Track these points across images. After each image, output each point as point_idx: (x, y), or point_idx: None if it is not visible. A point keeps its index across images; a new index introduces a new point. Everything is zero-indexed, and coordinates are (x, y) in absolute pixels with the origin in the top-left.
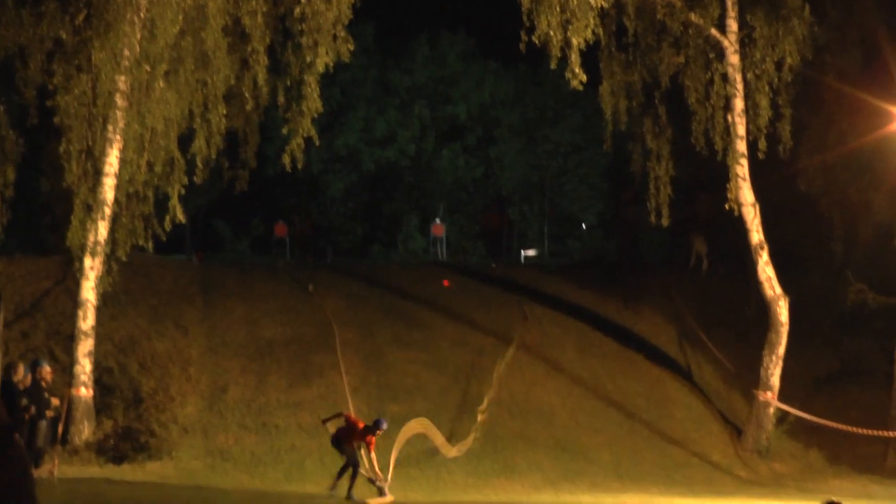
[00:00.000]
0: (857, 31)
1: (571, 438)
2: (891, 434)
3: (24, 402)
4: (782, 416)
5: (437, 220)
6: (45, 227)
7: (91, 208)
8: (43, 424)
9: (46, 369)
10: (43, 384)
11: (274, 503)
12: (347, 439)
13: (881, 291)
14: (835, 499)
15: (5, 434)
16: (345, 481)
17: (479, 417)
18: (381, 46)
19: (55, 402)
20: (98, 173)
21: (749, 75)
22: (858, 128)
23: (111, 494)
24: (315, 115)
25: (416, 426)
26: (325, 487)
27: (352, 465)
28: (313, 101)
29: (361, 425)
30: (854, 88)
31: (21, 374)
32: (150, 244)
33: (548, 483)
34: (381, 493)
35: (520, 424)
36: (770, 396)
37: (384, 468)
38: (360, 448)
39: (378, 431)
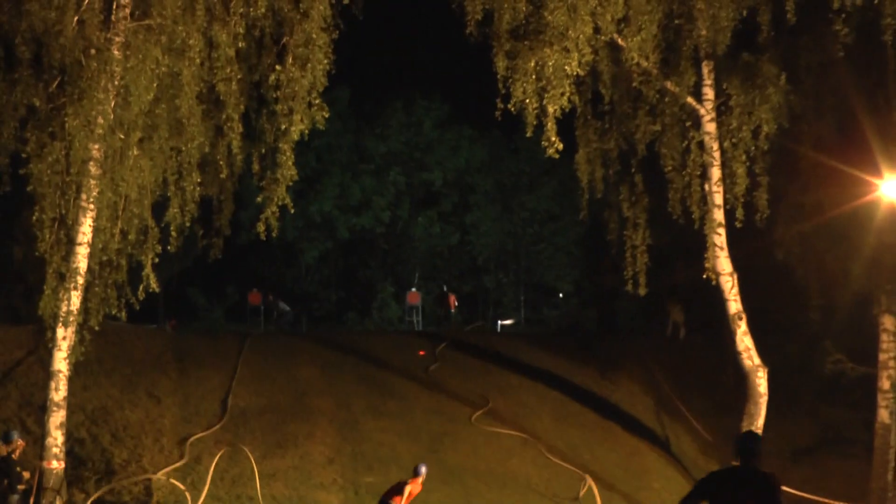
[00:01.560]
0: (833, 98)
1: None
2: None
3: None
4: None
5: (413, 289)
6: (18, 295)
7: (64, 277)
8: (14, 499)
9: (19, 442)
10: (14, 457)
11: None
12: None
13: (860, 361)
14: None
15: None
16: None
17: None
18: (356, 112)
19: (26, 475)
20: (71, 242)
21: (726, 143)
22: (835, 196)
23: None
24: (290, 183)
25: None
26: None
27: None
28: (288, 168)
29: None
30: (830, 157)
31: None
32: (124, 313)
33: None
34: None
35: (496, 495)
36: None
37: None
38: None
39: (418, 478)
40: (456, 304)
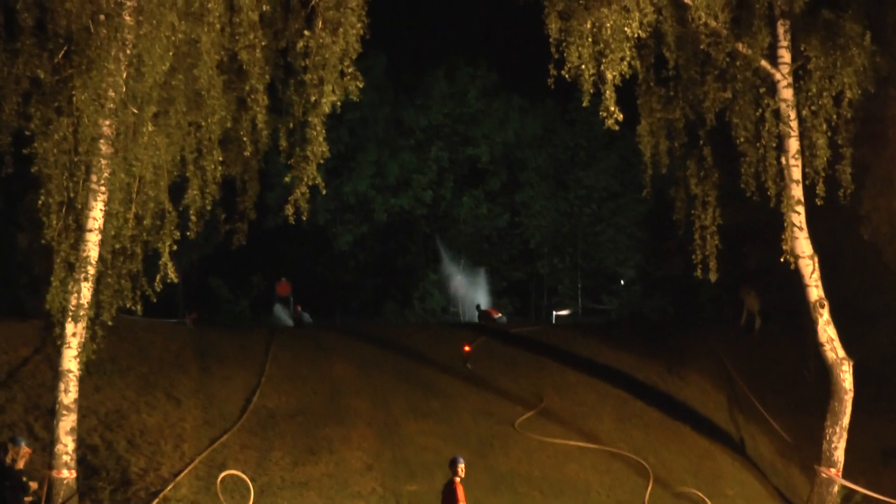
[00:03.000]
0: None
1: None
2: None
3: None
4: (848, 495)
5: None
6: (23, 287)
7: (73, 267)
8: None
9: (25, 449)
10: (19, 466)
11: None
12: None
13: None
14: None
15: None
16: None
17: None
18: (394, 82)
19: (33, 486)
20: (80, 228)
21: (804, 111)
22: None
23: None
24: (321, 161)
25: None
26: None
27: None
28: (319, 144)
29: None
30: None
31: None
32: (139, 306)
33: None
34: None
35: (553, 501)
36: (834, 473)
37: None
38: None
39: (458, 469)
40: (499, 313)
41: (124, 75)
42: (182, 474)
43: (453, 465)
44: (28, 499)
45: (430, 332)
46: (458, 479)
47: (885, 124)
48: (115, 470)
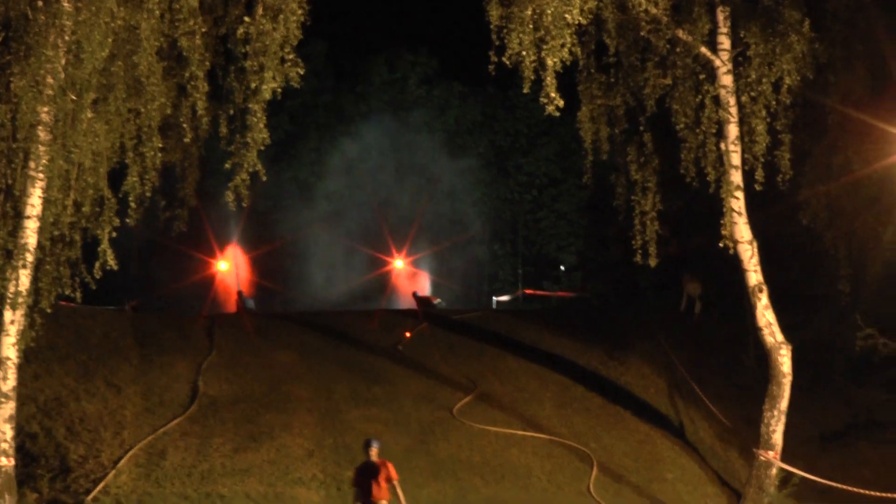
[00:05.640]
0: (862, 46)
1: None
2: None
3: None
4: (786, 478)
5: (399, 262)
6: None
7: (11, 254)
8: None
9: None
10: None
11: None
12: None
13: (894, 336)
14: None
15: None
16: None
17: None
18: (335, 69)
19: None
20: (19, 215)
21: (744, 98)
22: (866, 154)
23: None
24: (262, 147)
25: None
26: None
27: None
28: (259, 131)
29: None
30: (860, 111)
31: None
32: (78, 293)
33: None
34: None
35: (493, 489)
36: (772, 455)
37: None
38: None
39: (371, 452)
40: (437, 299)
41: (63, 62)
42: (122, 461)
43: (367, 446)
44: None
45: (373, 318)
46: (377, 459)
47: (824, 111)
48: (54, 457)
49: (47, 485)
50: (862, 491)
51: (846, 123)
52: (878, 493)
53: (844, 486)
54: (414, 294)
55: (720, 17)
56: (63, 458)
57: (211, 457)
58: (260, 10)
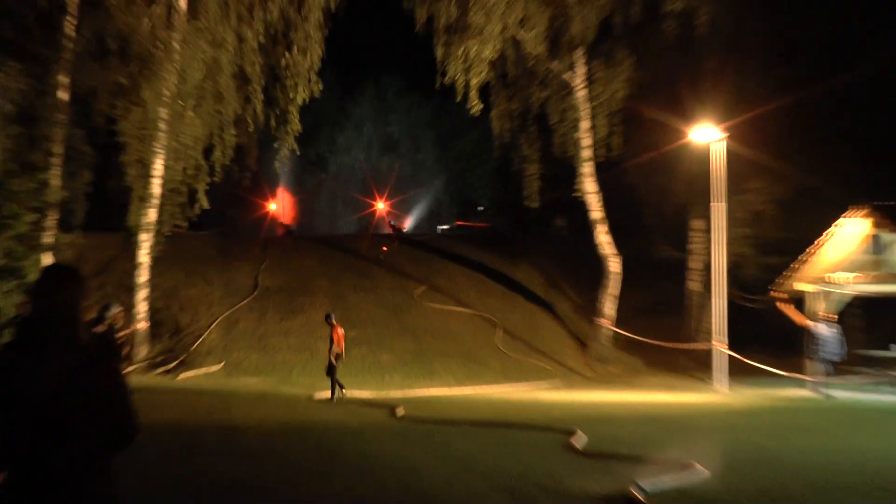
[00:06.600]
0: (665, 74)
1: (473, 352)
2: (684, 346)
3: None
4: (614, 335)
5: (381, 205)
6: (113, 213)
7: (144, 200)
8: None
9: (117, 310)
10: (114, 322)
11: (271, 400)
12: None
13: (679, 250)
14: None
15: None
16: None
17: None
18: (340, 85)
19: (125, 332)
20: (148, 175)
21: (593, 104)
22: (663, 140)
23: (164, 396)
24: (296, 134)
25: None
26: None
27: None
28: (295, 124)
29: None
30: (661, 114)
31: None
32: (185, 224)
33: (457, 382)
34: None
35: (439, 342)
36: (606, 322)
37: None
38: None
39: (331, 320)
40: (405, 227)
41: (175, 81)
42: (212, 326)
43: (328, 318)
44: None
45: (365, 239)
46: (336, 324)
47: (640, 112)
48: (171, 323)
49: (168, 338)
50: (657, 342)
51: (653, 121)
52: (666, 344)
53: (648, 340)
54: (390, 223)
55: (578, 54)
56: (176, 323)
57: (266, 323)
58: (295, 49)
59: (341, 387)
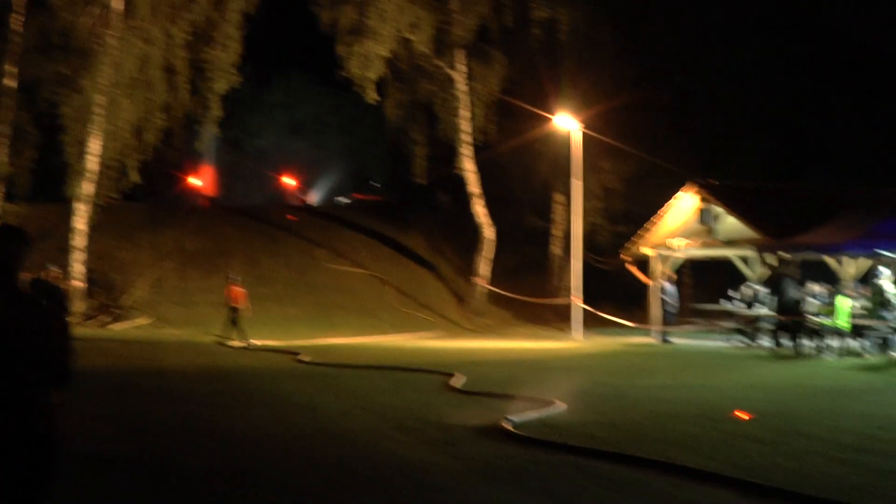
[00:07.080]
0: (532, 71)
1: (368, 306)
2: (547, 301)
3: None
4: (489, 293)
5: (291, 181)
6: (54, 184)
7: (80, 174)
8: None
9: (54, 271)
10: (52, 279)
11: (194, 348)
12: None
13: (543, 219)
14: None
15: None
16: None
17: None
18: (256, 76)
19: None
20: (85, 153)
21: (472, 96)
22: (532, 126)
23: (98, 344)
24: (217, 119)
25: None
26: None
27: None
28: (216, 110)
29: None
30: (530, 104)
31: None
32: (118, 195)
33: (354, 333)
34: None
35: (339, 298)
36: (481, 281)
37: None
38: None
39: (235, 279)
40: (312, 201)
41: (111, 72)
42: (139, 284)
43: (232, 279)
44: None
45: (276, 210)
46: (238, 285)
47: (513, 104)
48: (105, 282)
49: (101, 296)
50: (527, 298)
51: (523, 110)
52: (534, 300)
53: (518, 296)
54: (298, 196)
55: (460, 54)
56: (110, 283)
57: (189, 281)
58: (218, 47)
59: (227, 338)
